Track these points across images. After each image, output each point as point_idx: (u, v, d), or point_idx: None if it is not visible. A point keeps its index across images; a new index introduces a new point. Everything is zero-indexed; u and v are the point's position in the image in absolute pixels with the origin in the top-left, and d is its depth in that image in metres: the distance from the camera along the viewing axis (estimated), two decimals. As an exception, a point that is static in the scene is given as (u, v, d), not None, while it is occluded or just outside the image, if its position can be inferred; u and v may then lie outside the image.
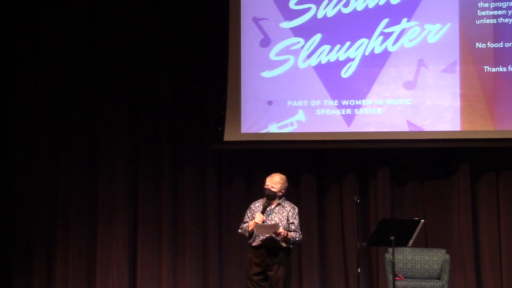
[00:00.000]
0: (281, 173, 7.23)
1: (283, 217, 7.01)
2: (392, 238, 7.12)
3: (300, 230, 7.08)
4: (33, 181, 9.19)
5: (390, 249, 7.58)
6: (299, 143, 8.81)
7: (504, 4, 8.56)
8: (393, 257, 7.38)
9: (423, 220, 7.36)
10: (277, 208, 7.06)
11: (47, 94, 9.21)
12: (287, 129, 8.79)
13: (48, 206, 9.17)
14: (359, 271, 7.97)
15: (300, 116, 8.78)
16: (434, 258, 8.48)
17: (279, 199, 7.08)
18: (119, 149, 9.11)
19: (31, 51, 9.24)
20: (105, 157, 9.13)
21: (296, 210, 7.10)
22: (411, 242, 7.26)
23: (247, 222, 7.09)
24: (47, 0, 9.24)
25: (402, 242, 7.25)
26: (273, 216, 7.02)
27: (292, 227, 7.00)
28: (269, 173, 9.03)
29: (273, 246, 6.95)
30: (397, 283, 8.12)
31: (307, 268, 8.88)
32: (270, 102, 8.83)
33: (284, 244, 6.98)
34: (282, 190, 7.09)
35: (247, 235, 7.08)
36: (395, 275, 7.82)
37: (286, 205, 7.08)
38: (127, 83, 9.13)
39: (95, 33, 9.20)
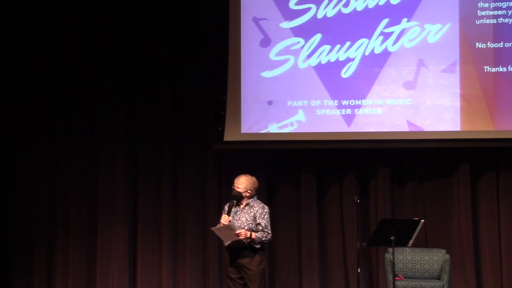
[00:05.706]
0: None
1: (250, 217, 6.97)
2: (392, 238, 7.13)
3: (270, 230, 6.97)
4: (33, 182, 9.18)
5: (390, 249, 7.58)
6: (299, 143, 8.80)
7: (504, 4, 8.56)
8: (393, 257, 7.38)
9: (423, 220, 7.37)
10: (246, 208, 7.03)
11: (47, 95, 9.20)
12: (287, 129, 8.78)
13: (48, 206, 9.17)
14: (359, 271, 7.98)
15: (300, 116, 8.77)
16: (434, 258, 8.47)
17: (248, 199, 7.05)
18: (119, 149, 9.11)
19: (31, 53, 9.23)
20: (105, 157, 9.12)
21: (266, 210, 7.01)
22: (411, 242, 7.27)
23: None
24: (47, 2, 9.24)
25: (402, 242, 7.26)
26: (241, 216, 6.99)
27: (259, 227, 6.93)
28: (269, 173, 9.07)
29: (241, 246, 6.92)
30: (397, 283, 8.11)
31: (307, 268, 8.87)
32: (270, 102, 8.82)
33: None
34: (249, 191, 7.03)
35: None
36: (395, 275, 7.82)
37: (255, 205, 7.03)
38: (127, 83, 9.12)
39: (94, 34, 9.19)
